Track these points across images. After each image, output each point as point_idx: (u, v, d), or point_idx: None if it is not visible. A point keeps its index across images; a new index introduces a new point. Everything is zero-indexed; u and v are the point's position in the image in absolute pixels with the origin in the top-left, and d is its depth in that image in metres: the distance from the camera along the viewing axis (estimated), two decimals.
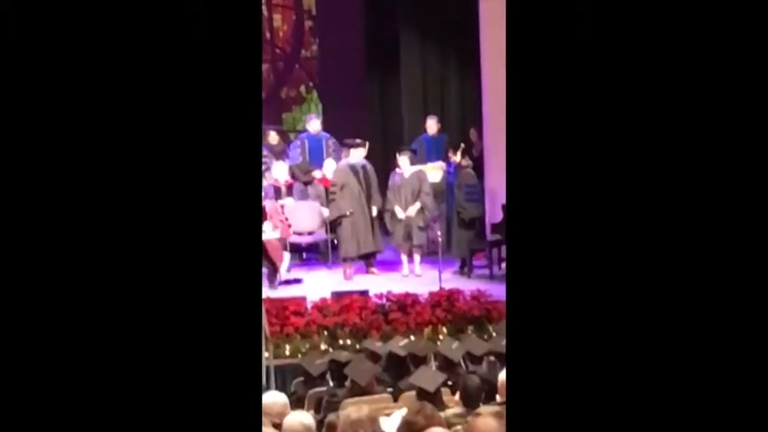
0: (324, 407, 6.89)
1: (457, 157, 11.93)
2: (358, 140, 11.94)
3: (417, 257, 11.71)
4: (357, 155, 11.77)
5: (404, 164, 11.73)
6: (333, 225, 11.79)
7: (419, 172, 11.83)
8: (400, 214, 11.61)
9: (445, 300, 10.01)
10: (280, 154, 12.89)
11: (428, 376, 6.64)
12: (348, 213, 11.45)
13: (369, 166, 11.76)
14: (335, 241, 11.97)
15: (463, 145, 12.17)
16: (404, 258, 11.74)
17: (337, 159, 12.39)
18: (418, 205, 11.65)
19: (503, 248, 11.24)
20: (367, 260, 11.76)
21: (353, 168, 11.67)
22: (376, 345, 8.16)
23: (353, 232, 11.53)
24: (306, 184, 12.55)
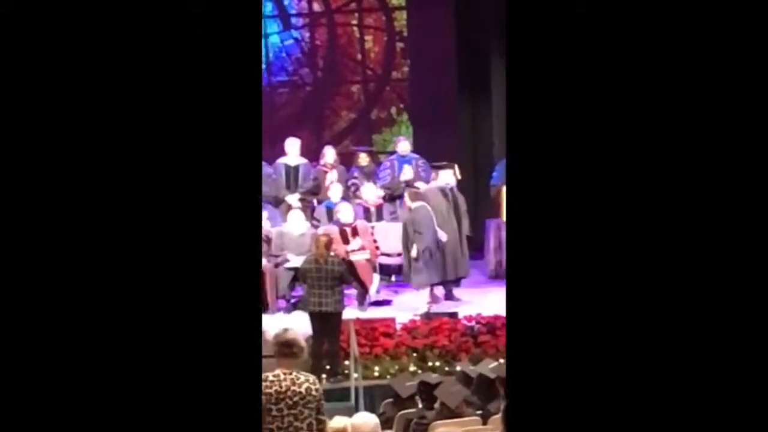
0: (413, 429, 6.91)
1: None
2: (446, 162, 11.94)
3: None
4: (446, 177, 11.77)
5: None
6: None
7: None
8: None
9: None
10: (370, 175, 12.95)
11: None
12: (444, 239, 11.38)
13: (456, 189, 11.74)
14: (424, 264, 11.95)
15: None
16: None
17: (427, 181, 12.40)
18: None
19: None
20: (455, 283, 11.72)
21: (442, 190, 11.68)
22: (470, 368, 8.16)
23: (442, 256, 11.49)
24: (392, 199, 12.57)
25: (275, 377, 5.23)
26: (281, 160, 12.48)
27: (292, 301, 11.19)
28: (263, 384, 5.19)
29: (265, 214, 11.66)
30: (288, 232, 11.40)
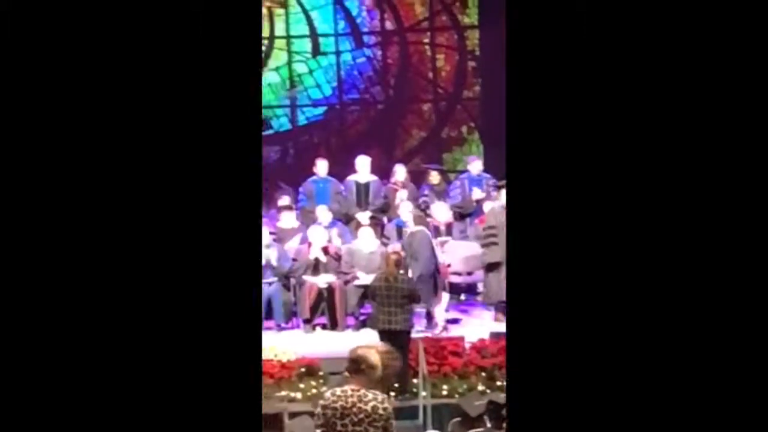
0: None
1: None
2: (505, 181, 11.87)
3: None
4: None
5: None
6: (491, 266, 11.70)
7: None
8: None
9: None
10: (441, 193, 12.92)
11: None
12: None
13: None
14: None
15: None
16: None
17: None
18: None
19: None
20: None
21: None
22: None
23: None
24: (462, 218, 12.53)
25: (342, 392, 5.21)
26: (351, 178, 12.51)
27: (361, 318, 11.19)
28: (330, 398, 5.18)
29: (335, 231, 11.70)
30: (358, 249, 11.41)
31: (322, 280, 11.18)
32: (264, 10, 14.92)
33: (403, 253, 10.58)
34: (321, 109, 15.14)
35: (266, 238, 11.49)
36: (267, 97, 14.93)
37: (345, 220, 12.30)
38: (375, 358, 5.40)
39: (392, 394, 9.13)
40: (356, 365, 5.27)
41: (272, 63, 15.00)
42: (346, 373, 5.32)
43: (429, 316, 11.14)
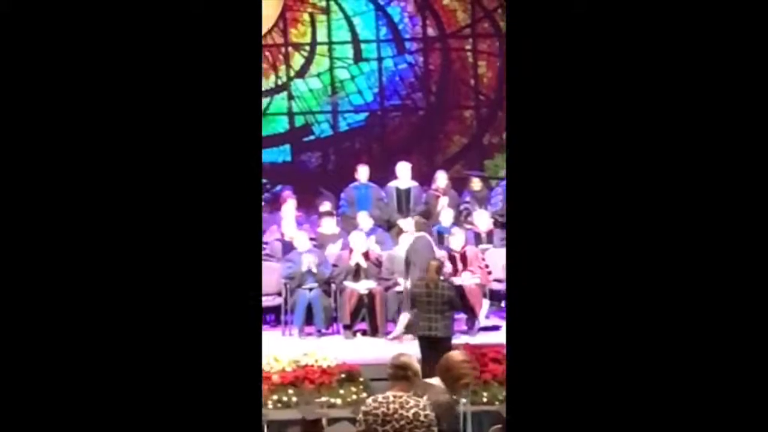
0: None
1: None
2: None
3: None
4: None
5: None
6: None
7: None
8: None
9: None
10: (483, 200, 12.89)
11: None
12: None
13: None
14: None
15: None
16: None
17: None
18: None
19: None
20: None
21: None
22: None
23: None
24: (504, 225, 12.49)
25: (384, 399, 5.21)
26: (392, 184, 12.51)
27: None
28: (371, 405, 5.19)
29: (373, 238, 11.70)
30: (399, 256, 11.40)
31: (363, 286, 11.19)
32: (306, 17, 14.98)
33: (444, 260, 10.56)
34: (362, 115, 15.15)
35: (307, 243, 11.52)
36: (309, 102, 14.97)
37: (386, 226, 12.30)
38: (417, 365, 5.40)
39: (464, 401, 9.10)
40: (402, 371, 5.27)
41: (314, 69, 15.03)
42: (390, 379, 5.33)
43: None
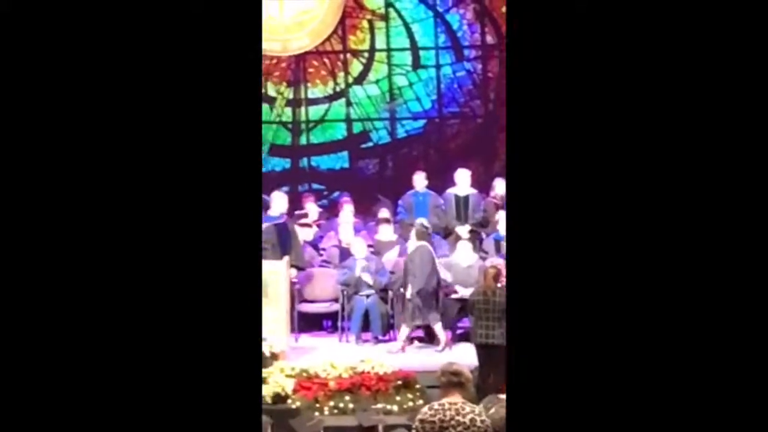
0: None
1: None
2: None
3: None
4: None
5: None
6: None
7: None
8: None
9: None
10: None
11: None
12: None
13: None
14: None
15: None
16: None
17: None
18: None
19: None
20: None
21: None
22: None
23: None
24: None
25: (440, 406, 5.20)
26: (451, 191, 12.49)
27: (459, 332, 11.14)
28: (427, 413, 5.19)
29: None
30: (456, 263, 11.38)
31: None
32: (365, 23, 15.02)
33: (501, 268, 10.52)
34: (420, 122, 15.15)
35: (364, 250, 11.53)
36: (367, 109, 15.00)
37: (444, 233, 12.27)
38: (469, 373, 5.41)
39: None
40: (454, 378, 5.26)
41: (372, 76, 15.06)
42: (443, 387, 5.32)
43: (430, 333, 11.05)
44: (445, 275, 11.10)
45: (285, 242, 10.96)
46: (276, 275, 10.22)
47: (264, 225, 10.49)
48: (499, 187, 12.69)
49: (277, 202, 11.27)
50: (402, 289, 11.01)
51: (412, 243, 11.11)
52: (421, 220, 11.31)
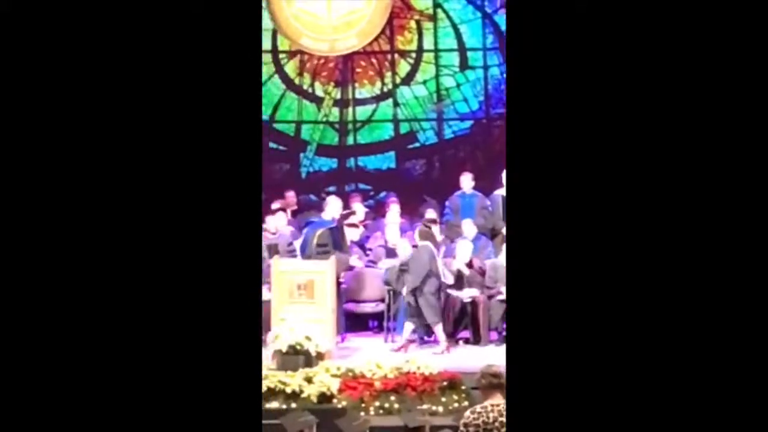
0: None
1: None
2: None
3: None
4: None
5: None
6: None
7: None
8: None
9: None
10: None
11: None
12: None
13: None
14: None
15: None
16: None
17: None
18: None
19: None
20: None
21: None
22: None
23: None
24: None
25: (482, 408, 5.22)
26: (498, 192, 12.47)
27: (504, 334, 11.12)
28: (470, 416, 5.20)
29: (471, 246, 11.67)
30: (503, 265, 11.37)
31: (466, 294, 11.17)
32: (413, 24, 15.03)
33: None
34: (468, 123, 15.13)
35: (410, 250, 11.55)
36: (414, 110, 15.01)
37: (490, 234, 12.26)
38: None
39: None
40: (495, 380, 5.27)
41: (420, 76, 15.07)
42: (484, 389, 5.34)
43: (431, 334, 11.05)
44: (448, 277, 11.08)
45: (339, 245, 11.06)
46: (322, 275, 10.27)
47: (319, 230, 10.63)
48: None
49: (332, 206, 11.35)
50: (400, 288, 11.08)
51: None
52: (422, 227, 11.40)
